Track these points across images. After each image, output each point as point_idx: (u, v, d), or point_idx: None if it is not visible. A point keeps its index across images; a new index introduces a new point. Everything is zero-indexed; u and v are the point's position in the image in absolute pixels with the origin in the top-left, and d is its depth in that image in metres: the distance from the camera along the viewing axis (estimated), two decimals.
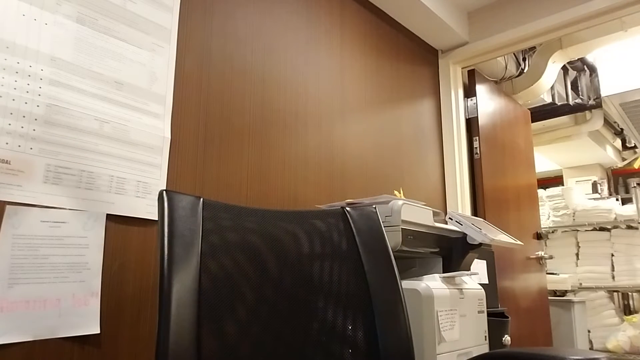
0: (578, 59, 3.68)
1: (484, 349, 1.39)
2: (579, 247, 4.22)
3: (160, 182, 1.26)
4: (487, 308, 1.46)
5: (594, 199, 4.54)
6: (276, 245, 0.97)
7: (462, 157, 2.56)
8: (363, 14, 2.17)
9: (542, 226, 3.32)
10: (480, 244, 1.49)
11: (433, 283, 1.27)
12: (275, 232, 0.98)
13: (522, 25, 2.43)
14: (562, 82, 3.90)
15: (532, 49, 3.29)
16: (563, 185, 5.37)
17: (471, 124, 2.67)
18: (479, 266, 1.97)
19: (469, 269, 1.57)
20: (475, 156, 2.63)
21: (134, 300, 1.17)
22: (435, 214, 1.46)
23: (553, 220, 4.27)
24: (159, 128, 1.28)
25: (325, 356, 0.92)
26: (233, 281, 0.87)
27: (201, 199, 0.89)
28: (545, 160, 5.28)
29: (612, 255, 4.06)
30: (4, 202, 0.98)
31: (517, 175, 2.93)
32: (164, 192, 0.84)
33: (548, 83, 3.30)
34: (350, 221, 1.08)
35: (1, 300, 0.95)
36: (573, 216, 4.17)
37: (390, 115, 2.21)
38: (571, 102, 3.91)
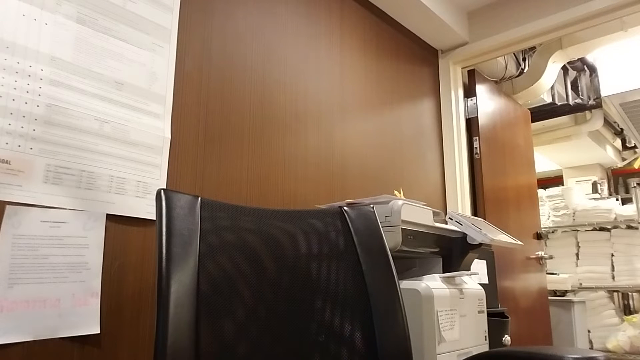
0: (578, 59, 3.68)
1: (484, 349, 1.39)
2: (579, 247, 4.22)
3: (160, 182, 1.26)
4: (487, 308, 1.46)
5: (594, 199, 4.54)
6: (274, 245, 0.97)
7: (462, 157, 2.56)
8: (363, 14, 2.17)
9: (542, 226, 3.32)
10: (480, 244, 1.49)
11: (433, 283, 1.27)
12: (273, 232, 0.98)
13: (522, 25, 2.43)
14: (562, 82, 3.90)
15: (532, 49, 3.29)
16: (563, 185, 5.37)
17: (471, 124, 2.67)
18: (479, 266, 1.97)
19: (469, 269, 1.57)
20: (475, 156, 2.63)
21: (134, 300, 1.17)
22: (435, 214, 1.46)
23: (553, 220, 4.27)
24: (159, 128, 1.28)
25: (323, 356, 0.92)
26: (231, 281, 0.87)
27: (199, 198, 0.89)
28: (545, 160, 5.28)
29: (612, 255, 4.05)
30: (4, 202, 0.98)
31: (517, 175, 2.93)
32: (162, 191, 0.84)
33: (548, 83, 3.30)
34: (348, 221, 1.08)
35: (1, 300, 0.95)
36: (573, 216, 4.17)
37: (390, 115, 2.21)
38: (571, 102, 3.91)
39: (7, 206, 0.99)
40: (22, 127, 1.03)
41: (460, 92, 2.69)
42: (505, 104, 2.97)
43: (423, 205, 1.41)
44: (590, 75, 4.01)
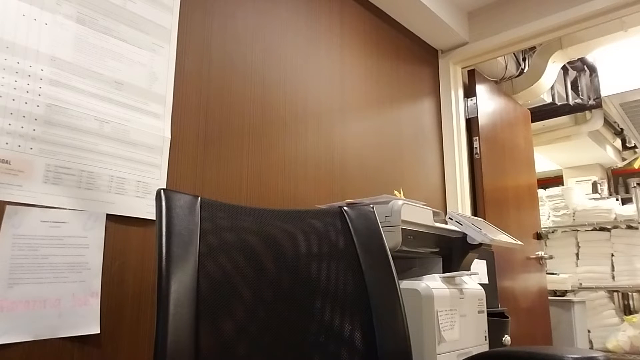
0: (578, 59, 3.68)
1: (484, 349, 1.39)
2: (579, 247, 4.21)
3: (160, 182, 1.26)
4: (487, 308, 1.46)
5: (594, 199, 4.53)
6: (274, 245, 0.97)
7: (462, 157, 2.56)
8: (363, 14, 2.17)
9: (542, 226, 3.32)
10: (480, 244, 1.49)
11: (433, 283, 1.27)
12: (273, 232, 0.98)
13: (522, 25, 2.43)
14: (562, 82, 3.90)
15: (532, 49, 3.29)
16: (563, 185, 5.37)
17: (471, 124, 2.67)
18: (479, 266, 1.97)
19: (469, 269, 1.57)
20: (475, 156, 2.63)
21: (134, 300, 1.17)
22: (435, 214, 1.46)
23: (553, 220, 4.27)
24: (159, 128, 1.28)
25: (323, 356, 0.92)
26: (231, 281, 0.87)
27: (199, 198, 0.89)
28: (545, 160, 5.28)
29: (612, 255, 4.05)
30: (4, 202, 0.98)
31: (517, 175, 2.93)
32: (162, 190, 0.84)
33: (548, 83, 3.30)
34: (348, 221, 1.08)
35: (1, 300, 0.95)
36: (573, 216, 4.17)
37: (390, 115, 2.21)
38: (571, 102, 3.91)
39: (7, 206, 0.99)
40: (22, 127, 1.03)
41: (460, 92, 2.69)
42: (505, 104, 2.97)
43: (423, 205, 1.41)
44: (590, 75, 4.01)
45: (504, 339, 1.70)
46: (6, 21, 1.04)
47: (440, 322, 1.22)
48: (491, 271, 2.02)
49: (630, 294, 4.52)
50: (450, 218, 1.50)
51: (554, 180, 5.58)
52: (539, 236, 3.06)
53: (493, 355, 0.94)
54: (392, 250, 1.21)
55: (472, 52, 2.59)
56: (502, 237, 1.53)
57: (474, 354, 0.99)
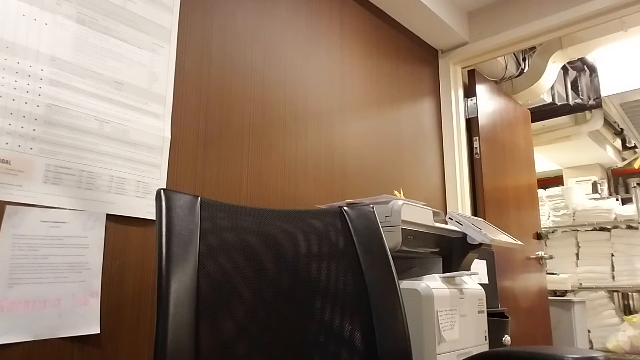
0: (578, 59, 3.68)
1: (484, 349, 1.39)
2: (579, 247, 4.21)
3: (160, 182, 1.26)
4: (487, 308, 1.46)
5: (594, 199, 4.53)
6: (274, 245, 0.97)
7: (462, 157, 2.56)
8: (363, 14, 2.17)
9: (542, 226, 3.32)
10: (480, 244, 1.49)
11: (433, 283, 1.27)
12: (273, 232, 0.98)
13: (522, 25, 2.43)
14: (562, 82, 3.90)
15: (532, 49, 3.29)
16: (563, 185, 5.37)
17: (471, 124, 2.67)
18: (479, 266, 1.97)
19: (469, 269, 1.57)
20: (475, 156, 2.63)
21: (134, 300, 1.17)
22: (435, 214, 1.46)
23: (553, 220, 4.27)
24: (159, 128, 1.28)
25: (323, 356, 0.92)
26: (231, 281, 0.87)
27: (199, 198, 0.89)
28: (545, 160, 5.28)
29: (612, 255, 4.05)
30: (4, 202, 0.98)
31: (517, 175, 2.93)
32: (162, 190, 0.84)
33: (548, 83, 3.30)
34: (348, 221, 1.08)
35: (1, 300, 0.95)
36: (573, 216, 4.17)
37: (390, 115, 2.21)
38: (571, 102, 3.91)
39: (7, 206, 0.99)
40: (22, 127, 1.03)
41: (460, 92, 2.69)
42: (505, 104, 2.97)
43: (423, 205, 1.41)
44: (590, 75, 4.01)
45: (504, 339, 1.70)
46: (6, 21, 1.04)
47: (440, 322, 1.22)
48: (491, 271, 2.02)
49: (630, 294, 4.52)
50: (450, 218, 1.50)
51: (554, 180, 5.58)
52: (539, 236, 3.06)
53: (493, 355, 0.94)
54: (392, 250, 1.21)
55: (472, 52, 2.59)
56: (502, 237, 1.53)
57: (474, 354, 0.99)
